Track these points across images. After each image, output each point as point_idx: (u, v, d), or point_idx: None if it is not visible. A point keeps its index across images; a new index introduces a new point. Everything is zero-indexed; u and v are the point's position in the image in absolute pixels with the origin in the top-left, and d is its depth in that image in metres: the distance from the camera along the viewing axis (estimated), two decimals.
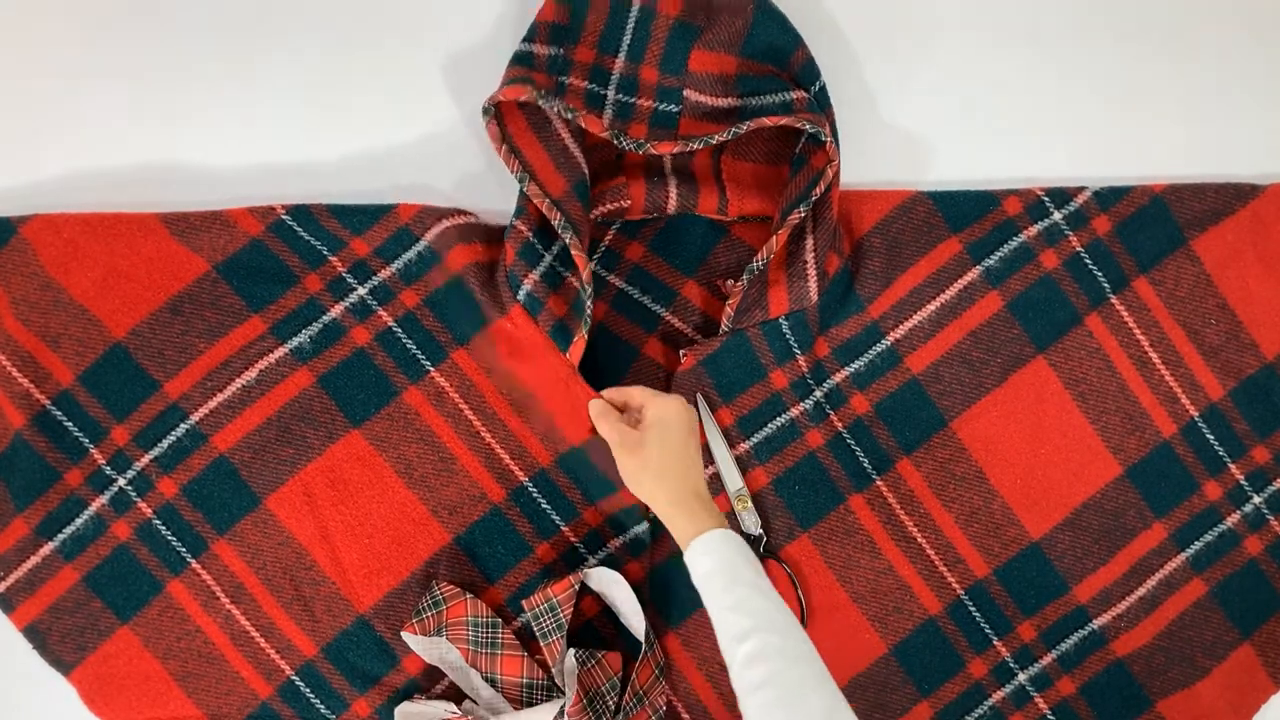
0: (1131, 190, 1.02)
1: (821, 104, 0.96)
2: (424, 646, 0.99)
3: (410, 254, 1.00)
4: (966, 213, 1.02)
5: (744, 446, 1.01)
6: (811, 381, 1.02)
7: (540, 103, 0.90)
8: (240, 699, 1.01)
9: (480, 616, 0.99)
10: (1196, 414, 1.02)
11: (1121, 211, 1.01)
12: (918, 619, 1.02)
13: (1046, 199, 1.01)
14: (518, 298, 0.97)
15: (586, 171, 0.97)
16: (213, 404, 0.99)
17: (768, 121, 0.91)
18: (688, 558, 0.86)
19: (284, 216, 1.00)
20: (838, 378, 1.02)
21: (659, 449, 0.88)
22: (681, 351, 0.98)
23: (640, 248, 1.04)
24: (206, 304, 1.00)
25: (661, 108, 0.96)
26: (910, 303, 1.02)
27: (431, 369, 1.00)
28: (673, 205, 0.99)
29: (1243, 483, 1.02)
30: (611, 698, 0.97)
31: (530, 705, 0.98)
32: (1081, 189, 1.02)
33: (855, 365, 1.02)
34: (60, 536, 0.99)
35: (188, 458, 0.99)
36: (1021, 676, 1.02)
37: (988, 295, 1.01)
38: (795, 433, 1.01)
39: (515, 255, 0.96)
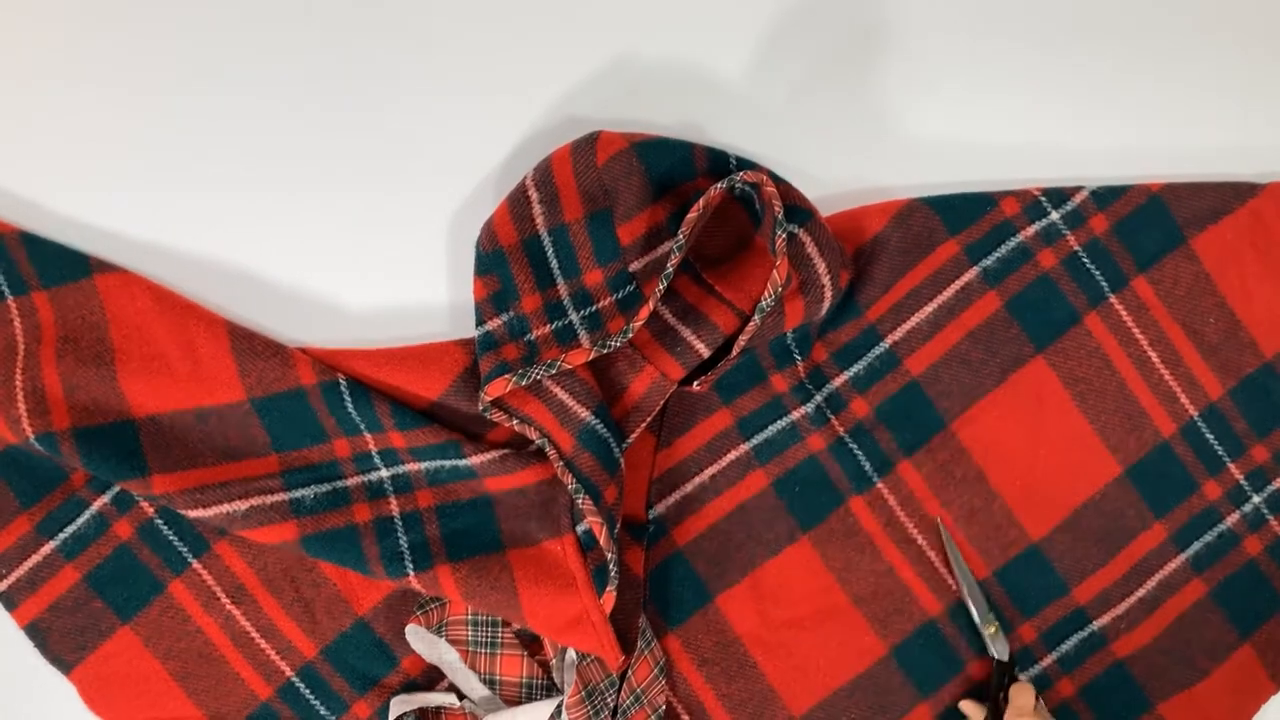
0: (1129, 189, 1.02)
1: (741, 167, 0.96)
2: (424, 645, 0.99)
3: (446, 464, 0.98)
4: (963, 215, 1.02)
5: (744, 448, 1.01)
6: (811, 386, 1.02)
7: (521, 384, 0.91)
8: (240, 700, 1.01)
9: (481, 615, 0.99)
10: (1196, 413, 1.01)
11: (1119, 210, 1.01)
12: (918, 620, 1.01)
13: (1044, 199, 1.02)
14: (576, 529, 0.95)
15: (591, 417, 0.95)
16: (195, 514, 0.96)
17: (693, 213, 0.91)
18: None
19: (342, 385, 0.99)
20: (837, 382, 1.02)
21: None
22: (696, 382, 0.98)
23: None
24: (232, 425, 0.99)
25: (620, 295, 0.96)
26: (908, 305, 1.02)
27: (412, 573, 0.95)
28: (704, 349, 0.98)
29: (1242, 482, 1.02)
30: (610, 695, 0.97)
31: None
32: (1079, 188, 1.02)
33: (854, 369, 1.02)
34: (61, 535, 1.00)
35: None
36: (1021, 678, 1.01)
37: (986, 296, 1.01)
38: (796, 435, 1.01)
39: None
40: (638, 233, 0.96)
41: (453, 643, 1.00)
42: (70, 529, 1.00)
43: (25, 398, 0.97)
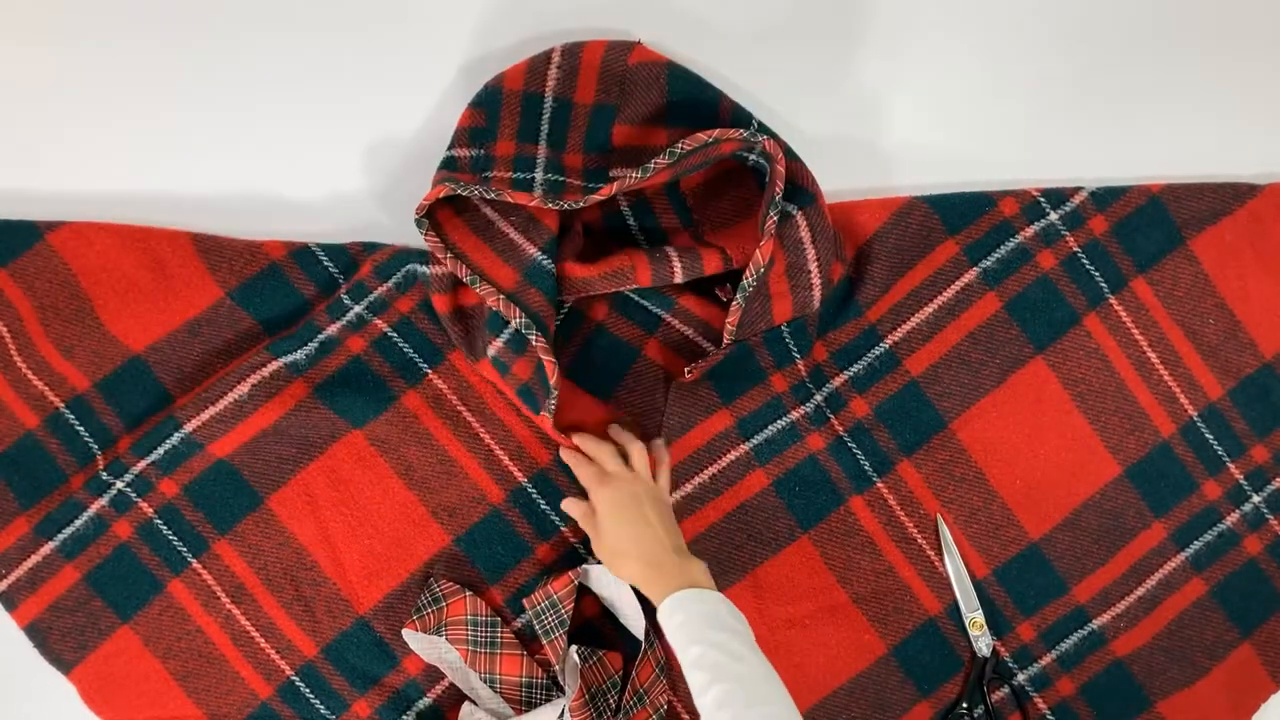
0: (1128, 190, 1.02)
1: (764, 132, 0.95)
2: (423, 646, 0.99)
3: (420, 269, 1.00)
4: (963, 215, 1.02)
5: (744, 448, 1.01)
6: (811, 385, 1.02)
7: (460, 191, 0.91)
8: (240, 699, 1.01)
9: (480, 615, 0.99)
10: (1195, 414, 1.02)
11: (1118, 211, 1.02)
12: (918, 619, 1.02)
13: (1043, 199, 1.02)
14: (488, 354, 0.96)
15: (539, 253, 0.96)
16: (205, 415, 0.98)
17: (702, 135, 0.90)
18: (661, 619, 0.89)
19: (313, 245, 1.01)
20: (837, 381, 1.02)
21: (613, 528, 0.93)
22: (687, 368, 0.98)
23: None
24: (224, 325, 1.01)
25: (590, 185, 0.95)
26: (908, 305, 1.02)
27: (429, 370, 1.00)
28: (679, 274, 0.97)
29: (1242, 482, 1.02)
30: (612, 696, 0.97)
31: (529, 704, 0.98)
32: (1078, 189, 1.02)
33: (854, 369, 1.02)
34: (60, 536, 0.99)
35: (186, 461, 0.99)
36: (1021, 677, 1.02)
37: (985, 296, 1.02)
38: (796, 435, 1.01)
39: (484, 320, 0.97)
40: (632, 140, 0.96)
41: (453, 643, 0.99)
42: (69, 529, 0.99)
43: (37, 375, 0.99)
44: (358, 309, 1.00)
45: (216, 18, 1.02)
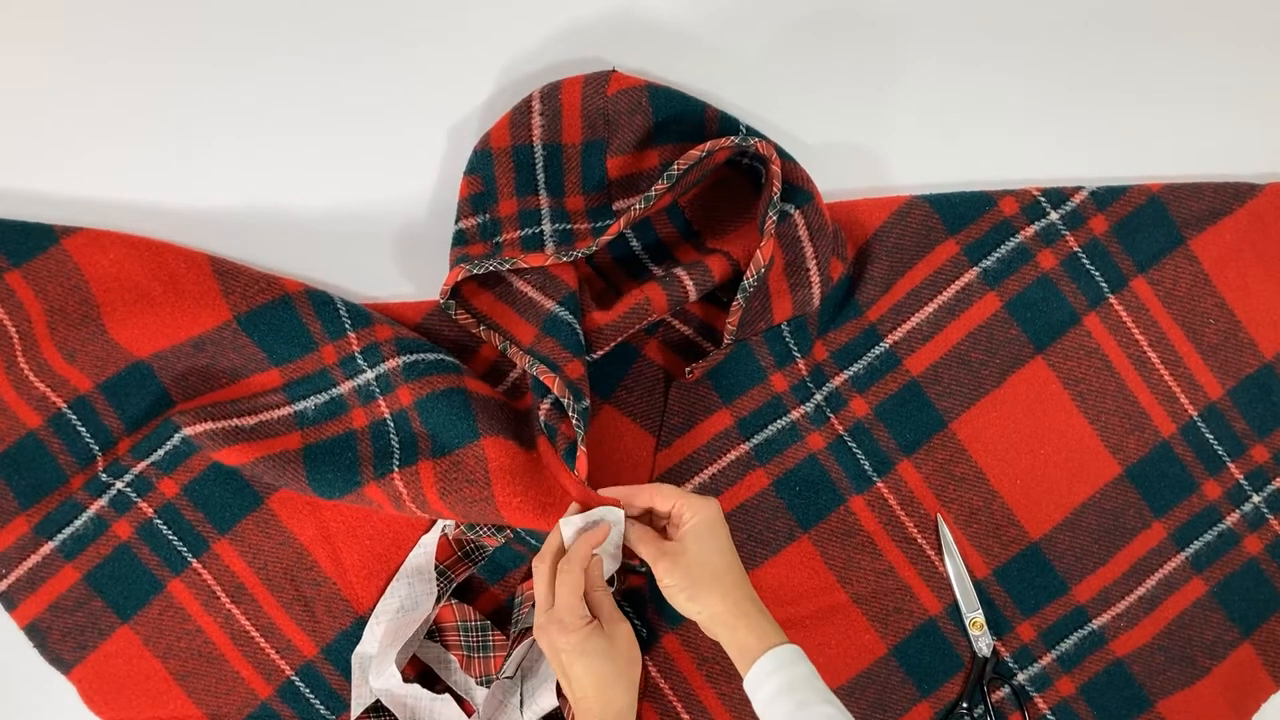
0: (1129, 190, 1.02)
1: (752, 135, 0.96)
2: (422, 649, 0.99)
3: (429, 356, 0.97)
4: (963, 214, 1.02)
5: (744, 448, 1.01)
6: (811, 385, 1.02)
7: (474, 270, 0.93)
8: (240, 699, 1.01)
9: (469, 620, 0.99)
10: (1195, 413, 1.02)
11: (1118, 211, 1.02)
12: (918, 619, 1.02)
13: (1043, 199, 1.02)
14: (540, 421, 0.96)
15: (556, 306, 0.96)
16: (208, 427, 0.97)
17: (695, 150, 0.91)
18: (751, 676, 0.81)
19: (337, 299, 1.00)
20: (837, 381, 1.02)
21: (706, 556, 0.84)
22: (688, 368, 0.98)
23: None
24: (228, 348, 1.00)
25: (597, 225, 0.98)
26: (908, 305, 1.02)
27: (396, 469, 0.96)
28: (693, 292, 0.97)
29: (1242, 482, 1.02)
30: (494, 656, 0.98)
31: None
32: (1078, 189, 1.02)
33: (854, 368, 1.02)
34: (60, 536, 0.99)
35: (187, 460, 0.99)
36: (1021, 677, 1.02)
37: (985, 296, 1.02)
38: (796, 435, 1.01)
39: (530, 390, 0.98)
40: (627, 169, 0.97)
41: (447, 648, 1.00)
42: (69, 529, 0.99)
43: (39, 377, 0.99)
44: (370, 376, 0.99)
45: (245, 40, 1.04)
